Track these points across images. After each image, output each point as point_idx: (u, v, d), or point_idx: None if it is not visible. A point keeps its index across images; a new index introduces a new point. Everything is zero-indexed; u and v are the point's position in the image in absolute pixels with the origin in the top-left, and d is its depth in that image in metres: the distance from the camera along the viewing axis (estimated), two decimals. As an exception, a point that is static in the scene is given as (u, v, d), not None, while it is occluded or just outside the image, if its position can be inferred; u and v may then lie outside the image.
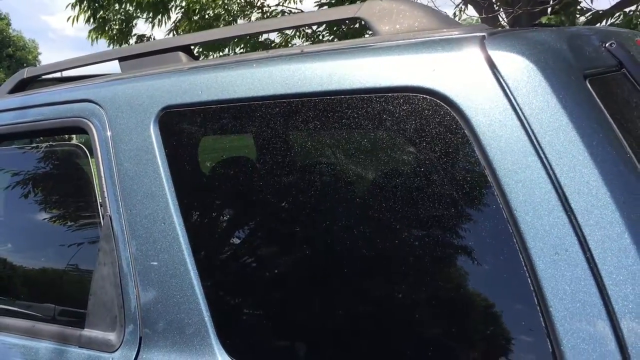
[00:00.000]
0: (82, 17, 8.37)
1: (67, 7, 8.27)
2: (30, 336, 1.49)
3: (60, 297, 1.57)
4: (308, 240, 1.19)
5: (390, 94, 1.07)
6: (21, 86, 1.96)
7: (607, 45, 1.13)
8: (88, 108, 1.50)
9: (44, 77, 2.04)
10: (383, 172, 1.09)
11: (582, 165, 0.90)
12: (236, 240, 1.29)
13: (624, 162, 0.92)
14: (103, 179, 1.42)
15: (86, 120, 1.49)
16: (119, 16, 8.60)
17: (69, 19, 8.35)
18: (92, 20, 8.40)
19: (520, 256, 0.91)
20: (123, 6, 8.40)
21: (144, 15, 8.37)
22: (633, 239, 0.85)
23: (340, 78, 1.13)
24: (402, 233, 1.04)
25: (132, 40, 8.72)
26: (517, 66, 0.98)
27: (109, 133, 1.43)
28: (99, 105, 1.48)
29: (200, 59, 1.74)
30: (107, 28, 8.53)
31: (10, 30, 40.04)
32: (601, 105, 0.97)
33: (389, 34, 1.23)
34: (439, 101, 1.03)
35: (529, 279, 0.90)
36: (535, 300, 0.90)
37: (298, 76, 1.17)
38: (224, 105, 1.27)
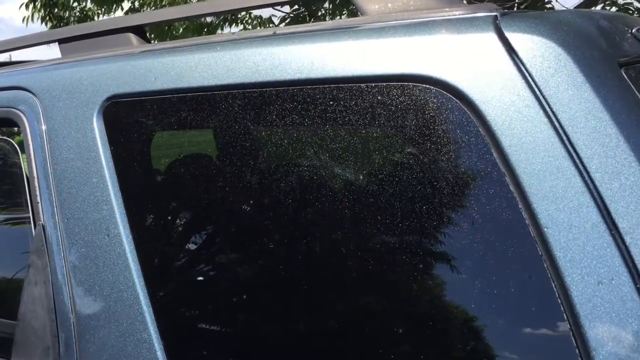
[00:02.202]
0: (36, 16, 7.91)
1: (20, 7, 7.81)
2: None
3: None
4: (279, 253, 0.99)
5: (383, 84, 0.88)
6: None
7: (634, 30, 0.96)
8: (19, 96, 1.27)
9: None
10: (374, 178, 0.90)
11: (627, 170, 0.73)
12: (196, 257, 1.08)
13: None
14: (36, 180, 1.19)
15: (16, 111, 1.26)
16: (75, 13, 8.18)
17: (24, 19, 7.87)
18: (48, 19, 7.95)
19: (553, 285, 0.74)
20: (79, 3, 7.97)
21: (100, 10, 7.96)
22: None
23: (322, 64, 0.94)
24: (401, 245, 0.86)
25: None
26: (541, 51, 0.81)
27: (43, 127, 1.20)
28: (33, 94, 1.25)
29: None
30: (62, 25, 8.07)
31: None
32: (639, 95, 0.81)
33: (379, 13, 1.04)
34: (445, 92, 0.84)
35: (564, 315, 0.73)
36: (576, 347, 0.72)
37: (270, 62, 0.98)
38: (181, 95, 1.07)
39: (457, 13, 0.92)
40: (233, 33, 1.16)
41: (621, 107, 0.77)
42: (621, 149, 0.74)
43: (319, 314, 0.96)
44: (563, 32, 0.83)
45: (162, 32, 7.00)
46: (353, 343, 0.92)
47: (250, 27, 6.94)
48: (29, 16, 7.91)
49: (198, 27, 6.72)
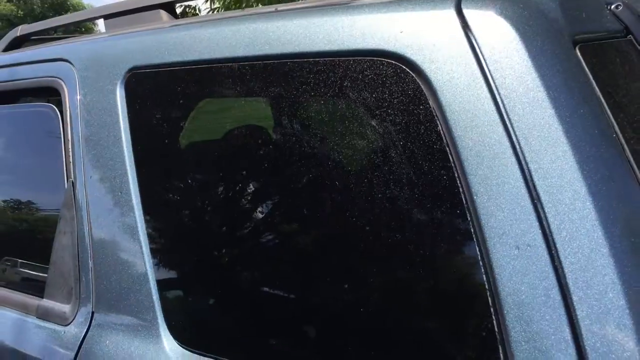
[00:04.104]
0: None
1: None
2: (-5, 303, 1.44)
3: (27, 265, 1.52)
4: (263, 223, 1.08)
5: (351, 58, 0.94)
6: (16, 44, 1.90)
7: (612, 7, 0.96)
8: (61, 67, 1.42)
9: (41, 35, 1.98)
10: (338, 146, 0.96)
11: (555, 144, 0.76)
12: (195, 221, 1.19)
13: (607, 144, 0.77)
14: (70, 142, 1.34)
15: (59, 80, 1.41)
16: None
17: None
18: None
19: (477, 248, 0.78)
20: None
21: None
22: (606, 235, 0.71)
23: (298, 40, 1.00)
24: (350, 213, 0.92)
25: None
26: (493, 29, 0.84)
27: (78, 94, 1.34)
28: (72, 64, 1.39)
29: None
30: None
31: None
32: (590, 77, 0.82)
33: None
34: (405, 67, 0.89)
35: (483, 274, 0.77)
36: (490, 301, 0.77)
37: (260, 37, 1.05)
38: (187, 68, 1.17)
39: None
40: (242, 10, 1.23)
41: (560, 83, 0.79)
42: (554, 126, 0.76)
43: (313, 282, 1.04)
44: (520, 8, 0.85)
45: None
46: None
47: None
48: None
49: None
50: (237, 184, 1.15)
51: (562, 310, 0.71)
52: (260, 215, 1.11)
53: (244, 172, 1.13)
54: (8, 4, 33.10)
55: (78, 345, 1.19)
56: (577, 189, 0.73)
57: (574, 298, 0.70)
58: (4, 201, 1.67)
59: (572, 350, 0.69)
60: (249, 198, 1.14)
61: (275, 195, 1.09)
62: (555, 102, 0.78)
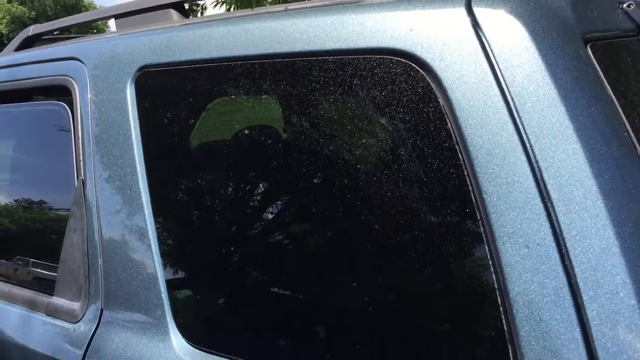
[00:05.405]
0: None
1: None
2: (5, 300, 1.45)
3: (36, 262, 1.53)
4: (273, 223, 1.08)
5: (361, 57, 0.94)
6: (27, 44, 1.91)
7: (624, 6, 0.95)
8: (72, 66, 1.43)
9: (52, 35, 1.99)
10: (347, 144, 0.96)
11: (566, 143, 0.75)
12: (204, 220, 1.19)
13: (619, 142, 0.76)
14: (80, 140, 1.35)
15: (69, 78, 1.42)
16: None
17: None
18: None
19: (487, 247, 0.78)
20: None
21: None
22: (617, 234, 0.70)
23: (308, 39, 1.00)
24: (359, 212, 0.92)
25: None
26: (503, 27, 0.83)
27: (89, 92, 1.35)
28: (83, 63, 1.40)
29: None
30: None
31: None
32: (601, 75, 0.81)
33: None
34: (414, 65, 0.89)
35: (493, 273, 0.77)
36: (499, 300, 0.76)
37: (270, 36, 1.06)
38: (197, 66, 1.17)
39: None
40: (252, 9, 1.23)
41: (571, 82, 0.79)
42: (564, 124, 0.76)
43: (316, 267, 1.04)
44: (530, 6, 0.85)
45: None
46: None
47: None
48: None
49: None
50: (247, 184, 1.15)
51: (572, 310, 0.70)
52: (270, 215, 1.11)
53: (254, 172, 1.13)
54: (20, 6, 33.35)
55: (87, 342, 1.20)
56: (588, 187, 0.72)
57: (585, 297, 0.69)
58: (15, 199, 1.68)
59: (582, 350, 0.69)
60: (259, 197, 1.14)
61: (286, 194, 1.09)
62: (566, 101, 0.77)
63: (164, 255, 1.14)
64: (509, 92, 0.80)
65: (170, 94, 1.23)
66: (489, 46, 0.83)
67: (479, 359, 0.81)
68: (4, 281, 1.53)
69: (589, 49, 0.84)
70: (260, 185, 1.15)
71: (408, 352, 0.87)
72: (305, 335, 1.01)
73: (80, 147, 1.34)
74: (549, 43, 0.81)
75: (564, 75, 0.79)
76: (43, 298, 1.35)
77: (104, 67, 1.34)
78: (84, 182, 1.31)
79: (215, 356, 1.04)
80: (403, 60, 0.90)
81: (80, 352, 1.19)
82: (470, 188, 0.80)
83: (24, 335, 1.36)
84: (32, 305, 1.37)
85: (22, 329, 1.37)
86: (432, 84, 0.87)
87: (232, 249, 1.15)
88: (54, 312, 1.30)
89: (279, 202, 1.10)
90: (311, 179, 1.00)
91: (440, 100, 0.85)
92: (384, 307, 0.91)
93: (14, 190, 1.70)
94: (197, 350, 1.06)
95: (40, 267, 1.50)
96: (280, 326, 1.03)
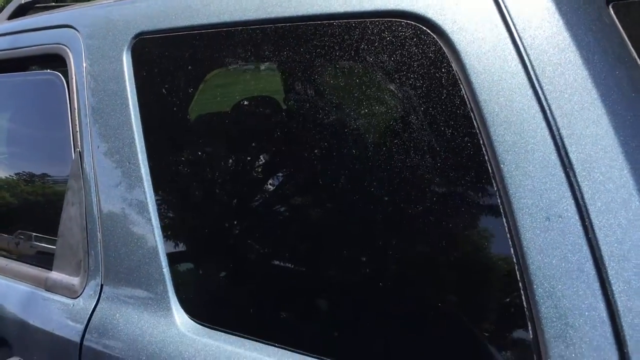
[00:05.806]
0: None
1: None
2: (4, 275, 1.42)
3: (34, 237, 1.49)
4: (275, 196, 1.04)
5: (369, 20, 0.89)
6: (21, 12, 1.85)
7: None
8: (66, 34, 1.37)
9: (47, 3, 1.93)
10: (355, 113, 0.92)
11: (589, 108, 0.71)
12: (205, 192, 1.15)
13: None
14: (76, 111, 1.30)
15: (64, 47, 1.37)
16: None
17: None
18: None
19: (504, 219, 0.74)
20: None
21: None
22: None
23: (312, 1, 0.95)
24: (368, 183, 0.88)
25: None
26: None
27: (84, 61, 1.30)
28: (77, 31, 1.35)
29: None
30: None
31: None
32: (624, 37, 0.77)
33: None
34: (425, 28, 0.84)
35: (511, 247, 0.73)
36: (518, 275, 0.72)
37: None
38: (196, 32, 1.12)
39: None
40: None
41: (593, 43, 0.74)
42: (587, 89, 0.71)
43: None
44: (550, -36, 0.80)
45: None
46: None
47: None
48: None
49: None
50: (249, 155, 1.10)
51: (596, 285, 0.66)
52: (273, 187, 1.07)
53: (256, 143, 1.09)
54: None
55: (87, 317, 1.17)
56: (612, 156, 0.68)
57: (610, 272, 0.66)
58: (10, 171, 1.64)
59: (607, 328, 0.65)
60: (261, 170, 1.10)
61: (289, 166, 1.05)
62: (588, 63, 0.73)
63: (164, 229, 1.11)
64: (527, 55, 0.76)
65: (169, 61, 1.18)
66: (506, 7, 0.79)
67: (497, 337, 0.77)
68: (4, 256, 1.50)
69: (611, 9, 0.79)
70: (263, 157, 1.11)
71: (424, 328, 0.84)
72: (309, 311, 0.98)
73: (77, 118, 1.29)
74: (570, 3, 0.76)
75: (586, 36, 0.74)
76: (42, 273, 1.32)
77: (99, 34, 1.29)
78: (81, 154, 1.27)
79: (218, 332, 1.02)
80: (413, 23, 0.85)
81: (81, 328, 1.16)
82: (486, 157, 0.76)
83: (24, 311, 1.33)
84: (31, 280, 1.34)
85: (22, 304, 1.34)
86: (444, 48, 0.82)
87: (234, 222, 1.11)
88: (53, 287, 1.27)
89: (282, 175, 1.06)
90: (316, 149, 0.96)
91: (454, 65, 0.81)
92: (395, 284, 0.87)
93: (11, 163, 1.66)
94: (200, 326, 1.04)
95: (38, 240, 1.47)
96: (283, 301, 1.00)
